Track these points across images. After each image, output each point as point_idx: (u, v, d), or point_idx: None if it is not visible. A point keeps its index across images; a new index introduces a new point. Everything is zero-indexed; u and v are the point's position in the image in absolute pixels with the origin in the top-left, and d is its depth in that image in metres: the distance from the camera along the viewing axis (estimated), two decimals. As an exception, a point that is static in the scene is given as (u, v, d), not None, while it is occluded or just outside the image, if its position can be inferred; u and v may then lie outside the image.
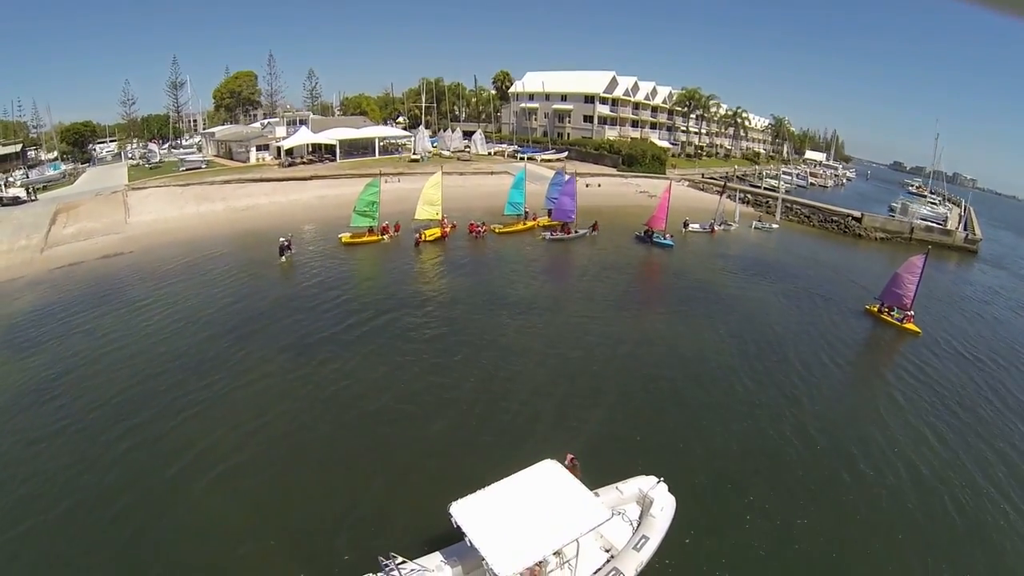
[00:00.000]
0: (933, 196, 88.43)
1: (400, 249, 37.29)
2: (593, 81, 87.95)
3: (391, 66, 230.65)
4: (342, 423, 17.12)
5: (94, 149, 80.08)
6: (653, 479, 12.92)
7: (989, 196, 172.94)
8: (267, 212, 44.11)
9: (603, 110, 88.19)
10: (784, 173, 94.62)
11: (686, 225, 47.61)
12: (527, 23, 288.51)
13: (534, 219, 45.27)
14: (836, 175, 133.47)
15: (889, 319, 29.89)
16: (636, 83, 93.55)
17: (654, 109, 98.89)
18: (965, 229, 62.01)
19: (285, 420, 17.12)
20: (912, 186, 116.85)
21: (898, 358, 26.17)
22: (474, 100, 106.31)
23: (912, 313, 29.17)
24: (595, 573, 10.94)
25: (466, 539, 9.67)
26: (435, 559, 10.62)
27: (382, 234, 38.27)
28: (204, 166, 58.67)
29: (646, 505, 12.27)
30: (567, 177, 45.28)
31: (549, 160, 73.09)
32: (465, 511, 10.07)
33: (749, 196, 65.44)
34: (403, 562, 10.17)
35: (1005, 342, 30.34)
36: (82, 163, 70.80)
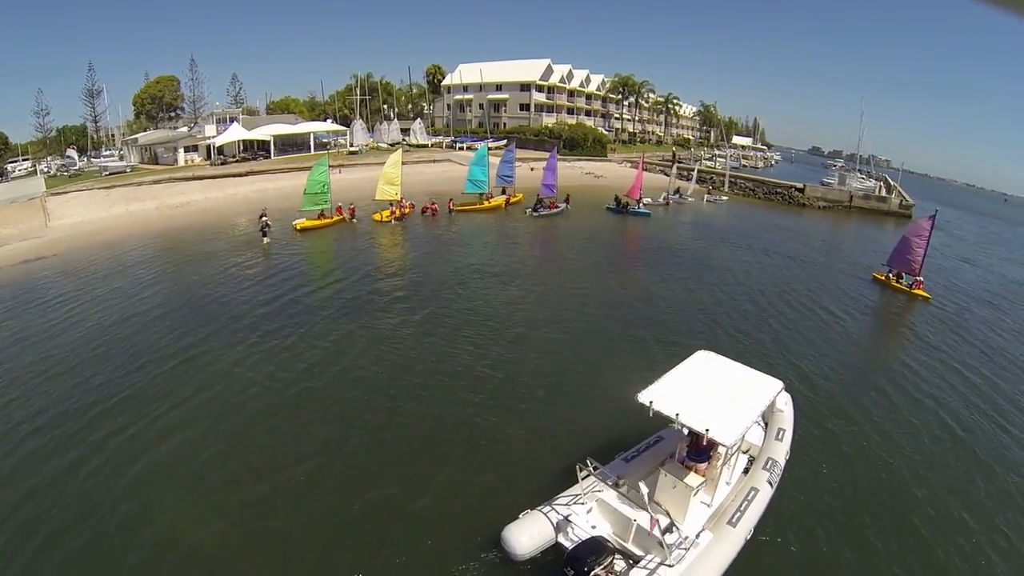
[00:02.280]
0: (859, 173, 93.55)
1: (363, 231, 36.38)
2: (529, 69, 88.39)
3: (317, 67, 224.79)
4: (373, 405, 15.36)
5: (6, 167, 74.30)
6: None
7: (903, 175, 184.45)
8: (203, 208, 42.12)
9: (539, 98, 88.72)
10: (718, 156, 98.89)
11: (639, 200, 48.85)
12: (456, 16, 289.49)
13: (506, 197, 45.66)
14: (765, 157, 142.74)
15: (899, 286, 29.87)
16: (571, 71, 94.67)
17: (589, 96, 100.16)
18: (897, 197, 65.70)
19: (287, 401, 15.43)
20: (836, 166, 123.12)
21: (917, 321, 25.98)
22: (403, 98, 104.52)
23: (921, 279, 29.22)
24: (745, 471, 11.50)
25: (675, 422, 9.94)
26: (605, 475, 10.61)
27: (350, 216, 37.67)
28: (129, 170, 55.22)
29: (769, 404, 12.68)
30: (510, 154, 45.50)
31: (490, 148, 73.27)
32: (656, 398, 10.22)
33: (693, 174, 67.54)
34: (597, 467, 10.32)
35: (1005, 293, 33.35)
36: (-5, 177, 65.46)
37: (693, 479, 10.01)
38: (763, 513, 10.60)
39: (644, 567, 8.90)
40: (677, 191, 55.36)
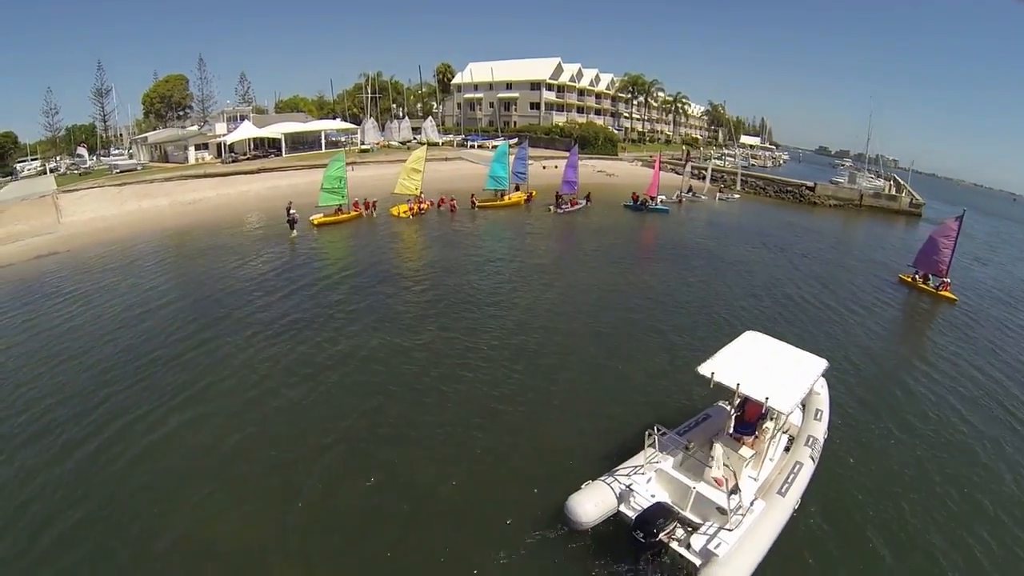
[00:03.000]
0: (868, 173, 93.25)
1: (382, 226, 35.91)
2: (539, 68, 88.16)
3: (325, 67, 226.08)
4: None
5: (16, 167, 74.19)
6: None
7: (910, 174, 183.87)
8: (216, 205, 41.73)
9: (550, 96, 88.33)
10: (728, 155, 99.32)
11: (653, 198, 48.76)
12: (466, 15, 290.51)
13: (527, 194, 45.40)
14: (773, 156, 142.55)
15: (925, 287, 28.91)
16: (580, 69, 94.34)
17: (598, 95, 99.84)
18: (907, 196, 65.09)
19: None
20: (844, 165, 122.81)
21: (944, 324, 24.89)
22: (412, 97, 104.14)
23: (948, 280, 28.30)
24: (786, 450, 11.93)
25: (736, 391, 10.38)
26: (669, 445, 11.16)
27: (365, 209, 37.49)
28: (140, 168, 55.01)
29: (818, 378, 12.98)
30: (523, 152, 45.25)
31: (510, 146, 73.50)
32: (715, 370, 10.67)
33: (705, 173, 67.39)
34: (664, 432, 10.89)
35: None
36: (2, 177, 65.48)
37: (745, 451, 10.77)
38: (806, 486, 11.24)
39: (704, 533, 9.32)
40: (690, 189, 55.18)
